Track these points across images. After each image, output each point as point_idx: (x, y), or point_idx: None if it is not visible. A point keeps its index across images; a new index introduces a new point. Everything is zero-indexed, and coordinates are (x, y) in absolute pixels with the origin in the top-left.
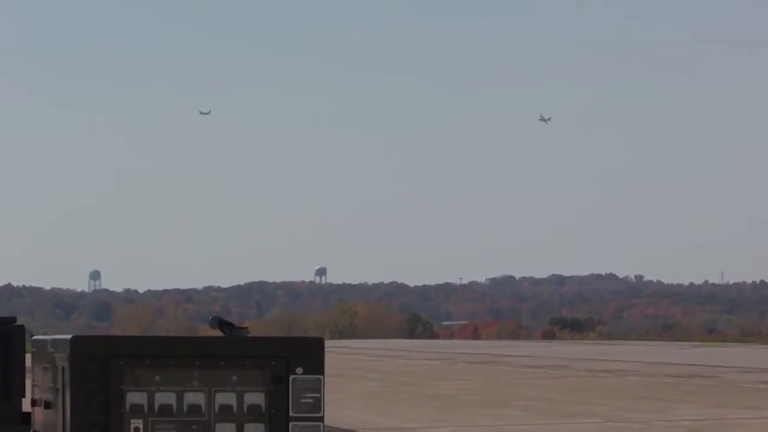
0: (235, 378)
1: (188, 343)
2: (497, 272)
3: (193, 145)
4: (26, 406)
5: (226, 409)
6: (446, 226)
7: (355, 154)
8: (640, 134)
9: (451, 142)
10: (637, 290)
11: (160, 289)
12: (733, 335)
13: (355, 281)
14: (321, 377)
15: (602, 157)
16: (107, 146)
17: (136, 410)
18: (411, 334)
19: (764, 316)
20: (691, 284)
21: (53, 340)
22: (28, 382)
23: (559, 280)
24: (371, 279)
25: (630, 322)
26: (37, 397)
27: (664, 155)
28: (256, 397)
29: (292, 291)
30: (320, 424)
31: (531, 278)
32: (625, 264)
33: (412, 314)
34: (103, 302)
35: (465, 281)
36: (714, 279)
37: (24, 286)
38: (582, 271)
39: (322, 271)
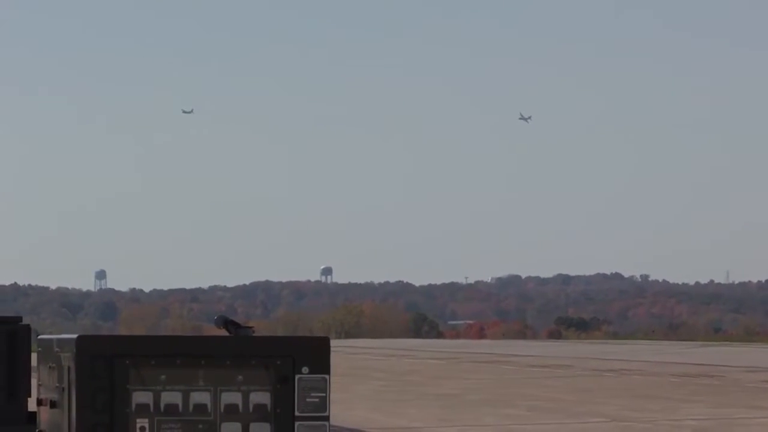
0: (240, 377)
1: (194, 342)
2: (503, 272)
3: (199, 144)
4: (32, 405)
5: (231, 408)
6: (452, 225)
7: (361, 153)
8: (645, 133)
9: (457, 141)
10: (643, 290)
11: (166, 288)
12: (739, 335)
13: (360, 281)
14: (327, 377)
15: (608, 156)
16: (112, 145)
17: (142, 410)
18: (417, 334)
19: None
20: (697, 283)
21: (59, 340)
22: (34, 382)
23: (564, 279)
24: (377, 278)
25: (635, 322)
26: (42, 396)
27: (669, 154)
28: (261, 397)
29: (297, 290)
30: (326, 423)
31: (537, 278)
32: (631, 263)
33: (418, 314)
34: (108, 302)
35: (471, 281)
36: (719, 278)
37: (30, 285)
38: (588, 271)
39: (327, 271)
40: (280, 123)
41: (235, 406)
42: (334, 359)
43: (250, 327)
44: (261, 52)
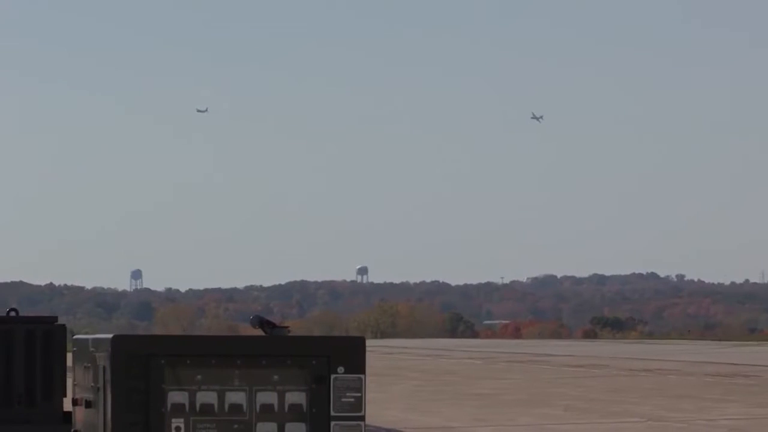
0: (276, 377)
1: (229, 342)
2: (539, 271)
3: (236, 145)
4: (67, 405)
5: (267, 408)
6: (488, 225)
7: (398, 153)
8: (681, 133)
9: (494, 141)
10: (678, 289)
11: (202, 288)
12: None
13: (396, 280)
14: (362, 376)
15: (644, 156)
16: (149, 146)
17: (177, 409)
18: (452, 334)
19: None
20: (732, 283)
21: (94, 340)
22: (70, 382)
23: (600, 279)
24: (413, 278)
25: (671, 322)
26: (78, 396)
27: (705, 154)
28: (297, 397)
29: (333, 290)
30: (361, 423)
31: (572, 277)
32: (667, 263)
33: (454, 313)
34: (144, 301)
35: (506, 280)
36: (755, 278)
37: (65, 285)
38: (623, 271)
39: (363, 270)
40: (317, 124)
41: (271, 405)
42: (370, 359)
43: (286, 327)
44: (300, 52)
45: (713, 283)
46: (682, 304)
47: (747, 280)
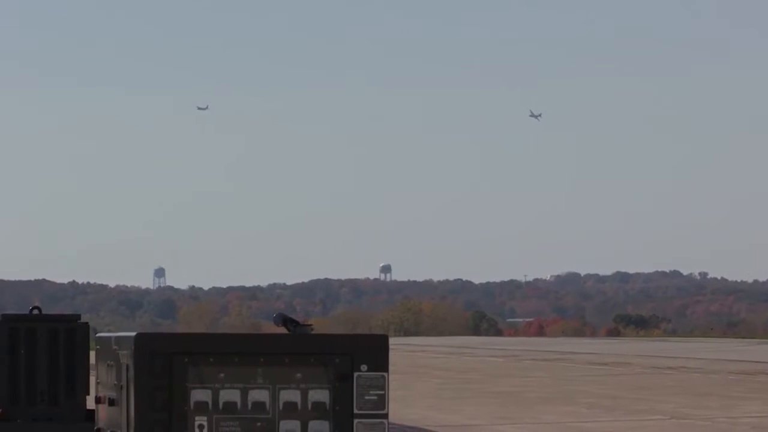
0: (299, 375)
1: (253, 340)
2: (562, 269)
3: (258, 143)
4: (90, 403)
5: (290, 406)
6: (512, 223)
7: (420, 151)
8: (705, 129)
9: (518, 139)
10: (702, 287)
11: (225, 286)
12: None
13: (419, 278)
14: (385, 374)
15: (668, 153)
16: (172, 145)
17: (201, 408)
18: (476, 332)
19: None
20: (756, 281)
21: (117, 338)
22: (92, 380)
23: (623, 277)
24: (436, 276)
25: (694, 319)
26: (101, 394)
27: (729, 151)
28: (320, 395)
29: (356, 288)
30: (385, 421)
31: (596, 275)
32: (690, 261)
33: (477, 311)
34: (167, 299)
35: (530, 278)
36: None
37: (88, 283)
38: (646, 268)
39: (386, 269)
40: (341, 121)
41: (294, 404)
42: (393, 357)
43: (309, 325)
44: (322, 49)
45: (736, 281)
46: (705, 302)
47: None
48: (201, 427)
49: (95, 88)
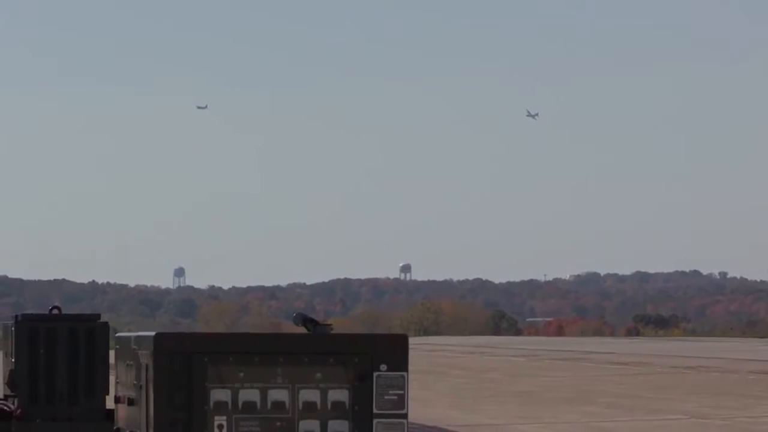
0: (319, 375)
1: (272, 340)
2: (582, 269)
3: (278, 144)
4: (110, 403)
5: (310, 406)
6: (531, 222)
7: (440, 150)
8: (724, 129)
9: (535, 140)
10: (721, 287)
11: (245, 286)
12: None
13: (439, 278)
14: (405, 374)
15: (688, 152)
16: (192, 145)
17: (220, 407)
18: (495, 331)
19: None
20: None
21: (137, 337)
22: (112, 379)
23: (643, 276)
24: (456, 276)
25: (714, 319)
26: (120, 394)
27: (747, 151)
28: (340, 394)
29: (376, 288)
30: (404, 421)
31: (615, 275)
32: (709, 260)
33: (497, 311)
34: (187, 299)
35: (549, 278)
36: None
37: (108, 282)
38: (666, 268)
39: (406, 268)
40: (361, 120)
41: (314, 403)
42: (413, 357)
43: (329, 324)
44: (337, 49)
45: (756, 281)
46: (724, 302)
47: None
48: (220, 426)
49: (114, 88)
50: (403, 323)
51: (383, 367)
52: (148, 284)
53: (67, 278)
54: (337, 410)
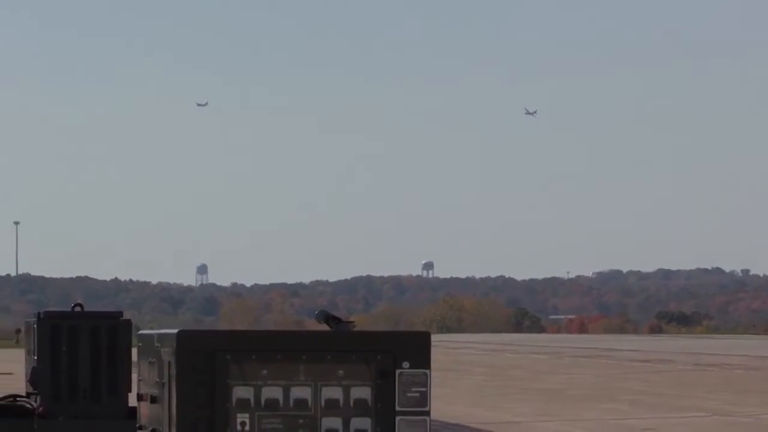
0: (341, 372)
1: (295, 337)
2: (604, 266)
3: (300, 143)
4: (132, 400)
5: (332, 403)
6: (554, 220)
7: (463, 148)
8: (745, 126)
9: (559, 136)
10: (744, 284)
11: (267, 283)
12: None
13: (462, 275)
14: (427, 371)
15: (706, 151)
16: (215, 141)
17: (243, 405)
18: (518, 328)
19: None
20: None
21: (159, 335)
22: (134, 377)
23: (665, 274)
24: (478, 273)
25: (736, 316)
26: (143, 391)
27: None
28: (362, 392)
29: (399, 285)
30: (426, 418)
31: (638, 272)
32: (732, 258)
33: (519, 308)
34: (210, 297)
35: (572, 275)
36: None
37: (131, 280)
38: (688, 266)
39: (429, 266)
40: (381, 120)
41: (336, 401)
42: (435, 354)
43: (351, 322)
44: (351, 47)
45: None
46: (747, 299)
47: None
48: (243, 424)
49: (137, 85)
50: (425, 320)
51: (406, 364)
52: (171, 282)
53: (89, 275)
54: (360, 407)
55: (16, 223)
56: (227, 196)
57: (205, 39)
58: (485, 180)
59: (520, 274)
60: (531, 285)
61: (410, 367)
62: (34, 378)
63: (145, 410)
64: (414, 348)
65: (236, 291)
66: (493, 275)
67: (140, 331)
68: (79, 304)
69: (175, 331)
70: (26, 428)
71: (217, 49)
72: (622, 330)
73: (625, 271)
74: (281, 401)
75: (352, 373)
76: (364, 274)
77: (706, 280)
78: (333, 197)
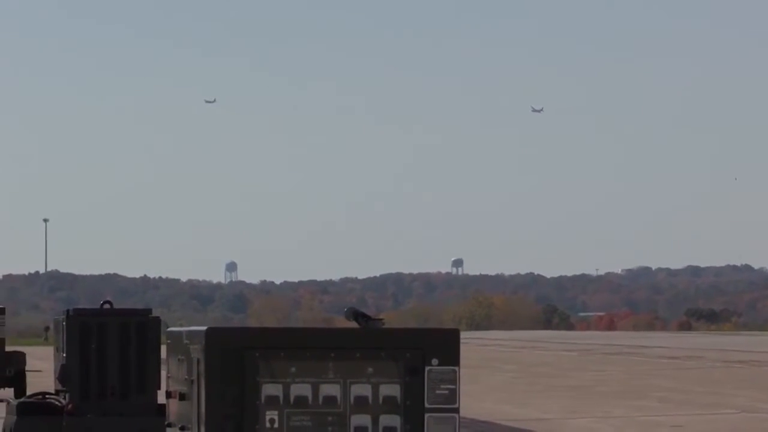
0: (370, 369)
1: (324, 334)
2: (633, 263)
3: (327, 140)
4: (161, 398)
5: (361, 400)
6: (583, 217)
7: (491, 144)
8: (762, 124)
9: (587, 130)
10: None
11: (296, 280)
12: None
13: (491, 272)
14: (456, 368)
15: (737, 147)
16: (244, 140)
17: (272, 402)
18: (547, 326)
19: None
20: None
21: (188, 332)
22: (163, 374)
23: (695, 271)
24: (508, 270)
25: (765, 313)
26: (171, 388)
27: None
28: (391, 389)
29: (428, 282)
30: (456, 415)
31: (667, 269)
32: (761, 255)
33: (549, 305)
34: (239, 294)
35: (601, 272)
36: None
37: (160, 277)
38: (718, 263)
39: (458, 263)
40: (410, 115)
41: (365, 398)
42: (464, 351)
43: (380, 319)
44: (380, 45)
45: None
46: None
47: None
48: (272, 421)
49: (170, 82)
50: (454, 318)
51: (435, 361)
52: (200, 279)
53: (118, 273)
54: (389, 405)
55: (46, 220)
56: (256, 193)
57: (253, 38)
58: (515, 177)
59: (550, 271)
60: (560, 282)
61: (439, 365)
62: (63, 375)
63: (174, 407)
64: (443, 345)
65: (265, 288)
66: (523, 272)
67: (169, 329)
68: (108, 302)
69: (204, 328)
70: (55, 425)
71: (267, 47)
72: (651, 327)
73: (654, 268)
74: (310, 398)
75: (381, 371)
76: (394, 272)
77: (735, 277)
78: (362, 195)
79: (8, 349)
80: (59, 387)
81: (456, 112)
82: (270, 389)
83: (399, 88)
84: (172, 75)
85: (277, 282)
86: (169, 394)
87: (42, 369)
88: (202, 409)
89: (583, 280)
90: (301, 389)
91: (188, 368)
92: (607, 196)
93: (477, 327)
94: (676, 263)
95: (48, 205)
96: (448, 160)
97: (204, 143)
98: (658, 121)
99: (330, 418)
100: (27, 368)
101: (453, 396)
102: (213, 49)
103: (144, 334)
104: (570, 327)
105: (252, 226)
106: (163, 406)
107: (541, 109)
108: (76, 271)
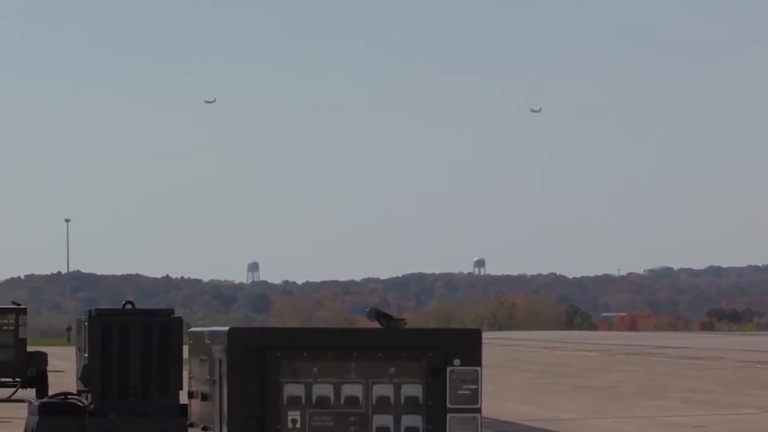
0: (392, 370)
1: (346, 335)
2: (655, 264)
3: (350, 142)
4: (183, 398)
5: (383, 401)
6: (605, 217)
7: (515, 145)
8: None
9: (612, 131)
10: None
11: (319, 281)
12: None
13: (513, 272)
14: (478, 369)
15: (757, 148)
16: (266, 142)
17: (294, 402)
18: (569, 326)
19: None
20: None
21: (210, 332)
22: (186, 374)
23: (717, 271)
24: (529, 270)
25: None
26: (194, 389)
27: None
28: (413, 389)
29: (450, 282)
30: (478, 415)
31: (689, 270)
32: None
33: (571, 306)
34: (261, 294)
35: (623, 273)
36: None
37: (182, 278)
38: (740, 263)
39: (480, 263)
40: (435, 118)
41: (387, 398)
42: (486, 351)
43: (402, 319)
44: (413, 43)
45: None
46: None
47: None
48: (294, 421)
49: (193, 85)
50: (476, 318)
51: (457, 361)
52: (222, 279)
53: (140, 273)
54: (411, 405)
55: (67, 220)
56: (279, 193)
57: (281, 39)
58: (537, 178)
59: (572, 271)
60: (582, 282)
61: (461, 365)
62: (85, 375)
63: (196, 407)
64: (465, 345)
65: (287, 289)
66: (545, 272)
67: (191, 329)
68: (130, 302)
69: (226, 328)
70: (77, 425)
71: (289, 50)
72: (672, 327)
73: (676, 268)
74: (332, 399)
75: (403, 371)
76: (416, 272)
77: (758, 278)
78: (384, 195)
79: (30, 349)
80: (81, 387)
81: (479, 112)
82: (292, 389)
83: (421, 86)
84: (195, 73)
85: (300, 282)
86: (191, 395)
87: (64, 369)
88: (224, 410)
89: (605, 280)
90: (323, 389)
91: (210, 368)
92: (629, 196)
93: (499, 327)
94: (698, 263)
95: (70, 206)
96: (470, 160)
97: (228, 144)
98: (681, 122)
99: (352, 419)
100: (49, 368)
101: (475, 396)
102: (223, 51)
103: (166, 335)
104: (592, 327)
105: (274, 226)
106: (185, 407)
107: (539, 110)
108: (98, 272)
